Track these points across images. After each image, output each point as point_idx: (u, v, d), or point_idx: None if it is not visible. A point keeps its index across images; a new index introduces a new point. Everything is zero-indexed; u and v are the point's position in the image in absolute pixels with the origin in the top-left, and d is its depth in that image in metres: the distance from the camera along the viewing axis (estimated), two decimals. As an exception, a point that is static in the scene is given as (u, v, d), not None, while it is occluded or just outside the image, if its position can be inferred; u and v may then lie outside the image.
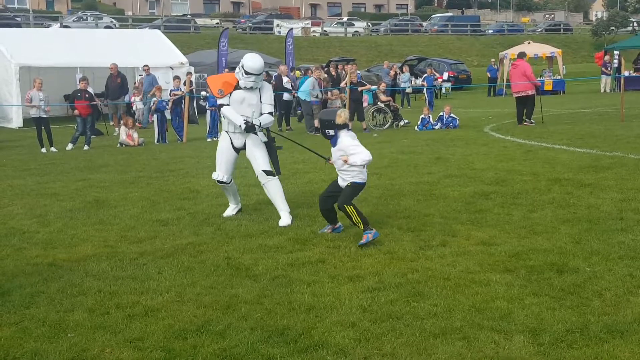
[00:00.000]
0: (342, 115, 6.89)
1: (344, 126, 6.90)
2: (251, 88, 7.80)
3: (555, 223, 7.24)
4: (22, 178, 11.65)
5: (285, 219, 7.70)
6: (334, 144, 6.97)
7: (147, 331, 4.70)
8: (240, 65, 7.80)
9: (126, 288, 5.62)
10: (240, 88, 7.82)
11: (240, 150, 8.08)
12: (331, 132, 6.92)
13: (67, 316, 5.02)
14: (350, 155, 6.78)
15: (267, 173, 7.85)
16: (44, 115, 15.93)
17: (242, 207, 8.38)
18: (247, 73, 7.71)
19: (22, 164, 13.59)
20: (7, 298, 5.44)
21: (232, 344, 4.45)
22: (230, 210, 8.27)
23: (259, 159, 7.89)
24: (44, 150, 15.80)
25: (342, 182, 6.99)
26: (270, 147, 8.00)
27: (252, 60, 7.74)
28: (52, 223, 8.08)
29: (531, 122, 17.24)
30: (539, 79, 18.24)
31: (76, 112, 16.50)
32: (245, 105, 7.81)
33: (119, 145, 16.60)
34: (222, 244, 6.93)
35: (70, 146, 16.28)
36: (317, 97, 18.18)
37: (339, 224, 7.20)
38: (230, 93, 7.85)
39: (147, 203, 9.11)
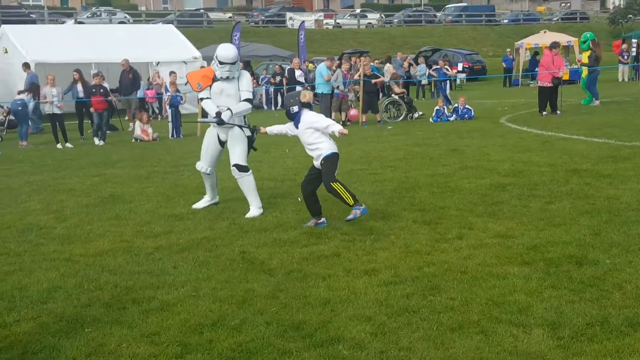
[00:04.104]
0: (307, 95, 7.24)
1: (308, 105, 7.20)
2: (227, 78, 7.88)
3: (574, 215, 7.16)
4: (38, 174, 11.72)
5: (253, 212, 7.85)
6: (297, 122, 7.18)
7: (163, 326, 4.70)
8: (214, 56, 7.91)
9: (142, 283, 5.63)
10: (218, 80, 7.91)
11: (225, 144, 8.19)
12: (295, 109, 7.17)
13: (84, 311, 5.04)
14: (327, 126, 7.01)
15: (240, 168, 7.95)
16: (58, 112, 16.01)
17: (218, 202, 8.54)
18: (221, 63, 7.82)
19: (39, 160, 13.68)
20: (25, 293, 5.47)
21: (247, 339, 4.44)
22: (204, 202, 8.45)
23: (236, 152, 7.99)
24: (59, 146, 15.89)
25: (317, 162, 7.14)
26: (250, 144, 8.08)
27: (225, 50, 7.88)
28: (68, 218, 8.12)
29: (551, 113, 17.15)
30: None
31: (92, 109, 16.59)
32: (224, 96, 7.91)
33: (133, 140, 16.66)
34: (237, 238, 6.93)
35: (97, 141, 16.36)
36: (338, 88, 17.99)
37: (323, 218, 7.27)
38: (210, 86, 7.95)
39: (162, 198, 9.12)
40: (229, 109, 7.80)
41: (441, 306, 4.85)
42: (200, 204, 8.43)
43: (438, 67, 24.93)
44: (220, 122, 7.85)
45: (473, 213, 7.46)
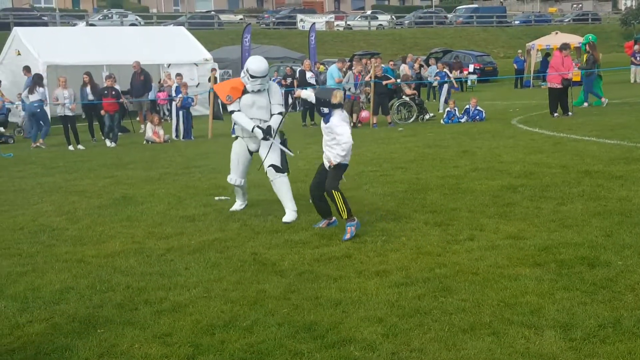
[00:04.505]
0: (338, 96, 7.05)
1: (339, 106, 7.05)
2: (259, 91, 7.79)
3: (586, 216, 7.12)
4: (50, 175, 11.80)
5: (290, 216, 7.69)
6: (327, 120, 7.08)
7: (175, 327, 4.72)
8: (245, 69, 7.81)
9: (154, 284, 5.65)
10: (248, 92, 7.82)
11: (253, 153, 8.13)
12: (325, 110, 7.05)
13: (96, 312, 5.07)
14: (337, 135, 6.92)
15: (277, 169, 7.83)
16: (69, 114, 16.10)
17: (247, 203, 8.48)
18: (252, 77, 7.71)
19: (51, 161, 13.76)
20: (38, 294, 5.51)
21: (259, 340, 4.45)
22: (237, 205, 8.36)
23: (271, 153, 7.86)
24: (71, 147, 15.98)
25: (326, 162, 7.09)
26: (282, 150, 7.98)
27: (256, 64, 7.74)
28: (80, 220, 8.17)
29: (564, 115, 17.08)
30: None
31: (103, 111, 16.68)
32: (255, 108, 7.80)
33: (145, 142, 16.73)
34: (248, 240, 6.94)
35: (109, 143, 16.45)
36: (350, 90, 18.01)
37: (334, 218, 7.25)
38: (239, 98, 7.84)
39: (174, 199, 9.16)
40: (268, 125, 7.76)
41: (452, 307, 4.84)
42: (235, 207, 8.34)
43: (439, 70, 24.72)
44: (266, 138, 7.77)
45: (484, 214, 7.44)
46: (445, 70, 24.72)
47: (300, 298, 5.17)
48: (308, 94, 7.46)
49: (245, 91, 7.84)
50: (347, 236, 6.74)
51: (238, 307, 5.05)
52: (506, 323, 4.53)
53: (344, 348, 4.29)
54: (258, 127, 7.73)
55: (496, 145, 12.67)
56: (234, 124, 8.16)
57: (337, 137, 6.90)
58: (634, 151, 10.92)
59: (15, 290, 5.63)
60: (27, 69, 19.84)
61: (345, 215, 6.82)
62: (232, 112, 7.90)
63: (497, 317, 4.63)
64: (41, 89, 16.98)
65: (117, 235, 7.34)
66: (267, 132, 7.75)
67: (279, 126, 7.91)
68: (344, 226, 6.94)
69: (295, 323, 4.69)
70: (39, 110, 16.63)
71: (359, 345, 4.32)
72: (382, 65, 20.08)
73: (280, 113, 7.91)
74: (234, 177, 8.17)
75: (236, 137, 8.27)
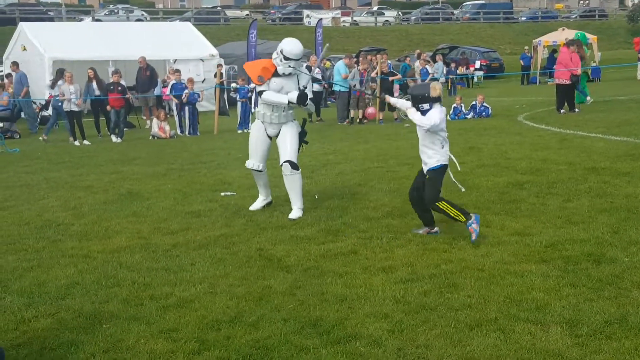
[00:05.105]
0: (437, 88, 6.44)
1: (438, 99, 6.44)
2: (289, 75, 7.60)
3: (592, 213, 7.10)
4: (56, 171, 11.82)
5: (295, 213, 7.61)
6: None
7: (180, 322, 4.73)
8: (278, 50, 7.56)
9: (160, 279, 5.66)
10: (279, 75, 7.62)
11: (272, 138, 7.94)
12: (426, 107, 6.43)
13: (102, 307, 5.08)
14: (416, 119, 6.35)
15: (293, 165, 7.70)
16: (75, 109, 16.12)
17: (272, 200, 8.24)
18: (286, 58, 7.50)
19: (57, 157, 13.79)
20: (44, 289, 5.52)
21: (265, 335, 4.45)
22: (259, 202, 8.12)
23: (288, 148, 7.71)
24: (77, 143, 16.02)
25: (424, 166, 6.55)
26: (300, 139, 7.90)
27: (292, 45, 7.53)
28: (86, 215, 8.18)
29: (569, 111, 17.01)
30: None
31: (108, 107, 16.70)
32: (283, 93, 7.59)
33: (150, 137, 16.75)
34: (254, 235, 6.94)
35: (114, 138, 16.47)
36: (355, 86, 18.00)
37: (436, 228, 6.66)
38: (269, 80, 7.63)
39: (180, 195, 9.16)
40: (301, 90, 7.48)
41: (458, 304, 4.83)
42: (256, 205, 8.09)
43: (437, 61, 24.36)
44: (305, 104, 7.52)
45: (490, 211, 7.42)
46: (427, 66, 24.31)
47: (306, 294, 5.17)
48: (400, 102, 6.83)
49: (275, 74, 7.62)
50: (474, 236, 6.16)
51: (244, 302, 5.05)
52: (512, 319, 4.52)
53: (349, 344, 4.29)
54: (291, 101, 7.48)
55: (502, 141, 12.63)
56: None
57: (417, 125, 6.34)
58: (641, 148, 10.87)
59: (21, 286, 5.64)
60: (15, 65, 19.94)
61: (462, 219, 6.25)
62: (261, 92, 7.64)
63: (503, 313, 4.62)
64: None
65: (122, 231, 7.35)
66: (303, 98, 7.49)
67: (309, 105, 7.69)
68: (349, 224, 6.92)
69: (301, 319, 4.69)
70: (60, 104, 16.69)
71: (364, 341, 4.31)
72: (388, 61, 20.04)
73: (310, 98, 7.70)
74: (253, 162, 7.93)
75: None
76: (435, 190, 6.41)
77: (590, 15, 61.43)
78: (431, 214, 6.64)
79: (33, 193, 9.76)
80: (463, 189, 6.75)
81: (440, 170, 6.48)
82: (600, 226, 6.58)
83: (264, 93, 7.63)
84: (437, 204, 6.36)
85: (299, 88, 7.62)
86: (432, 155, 6.49)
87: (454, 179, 6.60)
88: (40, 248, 6.80)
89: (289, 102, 7.55)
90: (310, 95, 7.75)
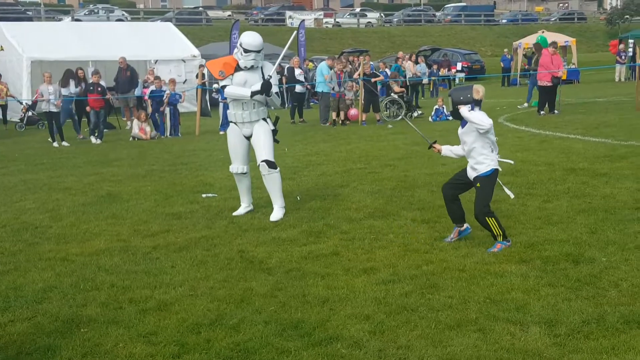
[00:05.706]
0: (480, 90, 6.16)
1: (480, 103, 6.16)
2: (252, 67, 7.58)
3: (571, 213, 7.16)
4: (34, 173, 11.69)
5: (277, 214, 7.58)
6: (463, 125, 6.21)
7: (160, 325, 4.69)
8: (238, 44, 7.61)
9: (139, 282, 5.61)
10: (241, 69, 7.62)
11: (249, 138, 7.88)
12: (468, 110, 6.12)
13: (80, 311, 5.02)
14: (487, 130, 6.00)
15: (270, 165, 7.68)
16: (54, 110, 15.95)
17: (253, 208, 8.08)
18: (245, 51, 7.51)
19: (34, 158, 13.63)
20: (20, 293, 5.44)
21: (246, 338, 4.43)
22: (242, 209, 8.01)
23: (264, 148, 7.68)
24: (55, 144, 15.85)
25: (471, 172, 6.22)
26: (273, 135, 7.83)
27: (250, 37, 7.56)
28: (64, 217, 8.09)
29: (549, 113, 17.19)
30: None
31: (88, 108, 16.55)
32: (247, 87, 7.57)
33: (131, 138, 16.62)
34: (235, 237, 6.91)
35: (94, 139, 16.32)
36: (333, 89, 18.05)
37: (466, 225, 6.45)
38: (232, 75, 7.63)
39: (160, 196, 9.10)
40: (265, 80, 7.43)
41: (439, 304, 4.84)
42: (239, 212, 7.95)
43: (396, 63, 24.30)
44: (268, 94, 7.43)
45: (471, 212, 7.41)
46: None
47: (288, 296, 5.15)
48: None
49: (237, 69, 7.63)
50: (495, 250, 6.00)
51: (224, 305, 5.02)
52: (492, 319, 4.54)
53: (330, 346, 4.28)
54: (254, 92, 7.45)
55: (483, 142, 12.69)
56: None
57: (476, 125, 5.97)
58: (618, 149, 11.00)
59: (-2, 289, 5.56)
60: None
61: (500, 239, 6.08)
62: (224, 87, 7.66)
63: (483, 314, 4.64)
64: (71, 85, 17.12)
65: (101, 233, 7.28)
66: (266, 87, 7.45)
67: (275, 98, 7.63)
68: (331, 225, 6.92)
69: (282, 321, 4.67)
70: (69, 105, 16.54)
71: (345, 342, 4.31)
72: (371, 62, 20.08)
73: (276, 93, 7.63)
74: (236, 166, 7.90)
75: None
76: (486, 201, 6.10)
77: (570, 17, 62.03)
78: (463, 211, 6.40)
79: (10, 195, 9.63)
80: (512, 196, 6.43)
81: (492, 175, 6.14)
82: (579, 226, 6.64)
83: (227, 87, 7.64)
84: (486, 219, 6.05)
85: (264, 79, 7.59)
86: (483, 161, 6.13)
87: (501, 184, 6.41)
88: (16, 251, 6.71)
89: (253, 94, 7.51)
90: (275, 85, 7.66)
